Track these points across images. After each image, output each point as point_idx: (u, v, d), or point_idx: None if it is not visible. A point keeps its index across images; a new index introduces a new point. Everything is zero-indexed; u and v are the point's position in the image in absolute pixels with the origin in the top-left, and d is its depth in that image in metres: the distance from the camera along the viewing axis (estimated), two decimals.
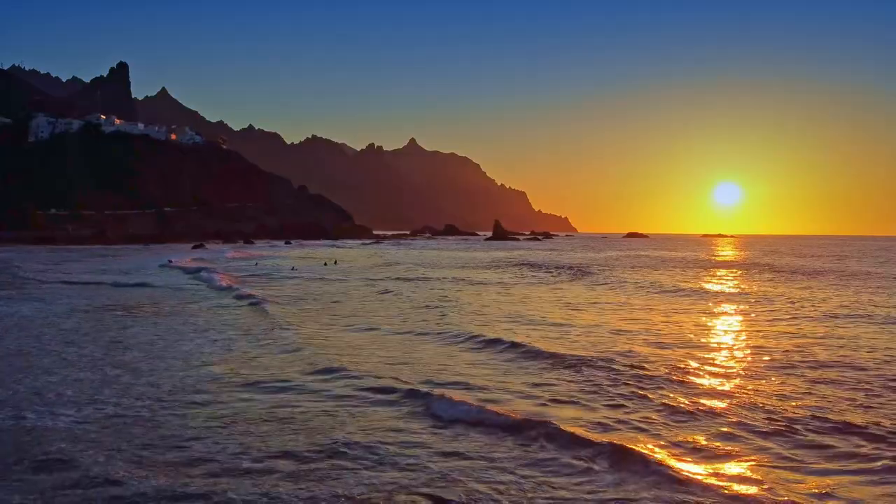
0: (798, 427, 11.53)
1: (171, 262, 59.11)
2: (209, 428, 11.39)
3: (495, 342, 19.58)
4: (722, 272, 59.22)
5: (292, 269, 56.48)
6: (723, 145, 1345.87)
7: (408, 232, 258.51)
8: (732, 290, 40.10)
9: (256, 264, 61.61)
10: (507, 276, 51.43)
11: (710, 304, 31.86)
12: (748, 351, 19.13)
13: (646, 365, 16.44)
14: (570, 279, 47.85)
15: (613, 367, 16.16)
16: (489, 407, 12.38)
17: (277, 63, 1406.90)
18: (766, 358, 17.83)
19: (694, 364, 16.84)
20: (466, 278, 47.50)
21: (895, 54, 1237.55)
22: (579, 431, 11.02)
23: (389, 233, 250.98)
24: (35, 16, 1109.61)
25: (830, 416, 12.11)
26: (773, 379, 15.31)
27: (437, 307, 29.06)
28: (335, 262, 65.98)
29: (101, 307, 27.69)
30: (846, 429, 11.43)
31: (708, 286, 43.22)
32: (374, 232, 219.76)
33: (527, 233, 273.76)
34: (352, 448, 10.41)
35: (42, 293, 32.84)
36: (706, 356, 18.04)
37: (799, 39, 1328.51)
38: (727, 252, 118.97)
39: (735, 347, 19.95)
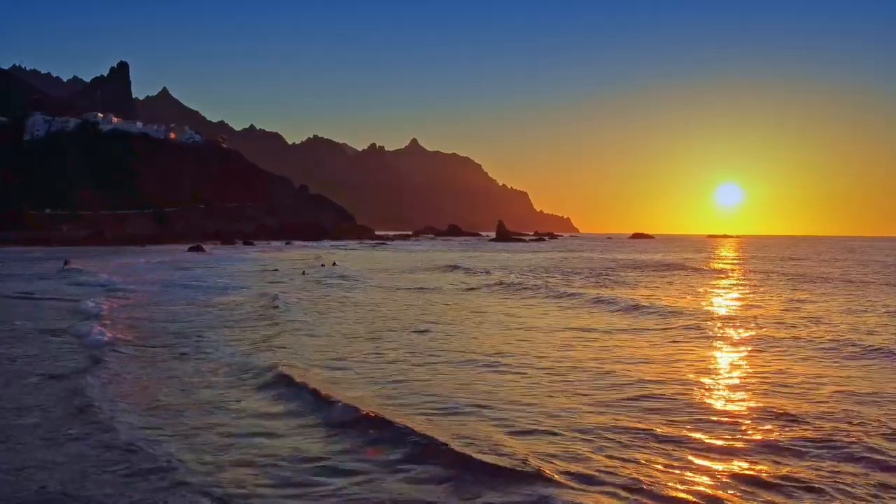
0: None
1: (67, 263, 53.21)
2: None
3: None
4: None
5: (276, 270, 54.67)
6: (723, 145, 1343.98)
7: (410, 232, 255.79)
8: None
9: (268, 269, 56.58)
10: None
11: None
12: None
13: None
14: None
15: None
16: None
17: (278, 63, 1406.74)
18: None
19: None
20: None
21: (895, 54, 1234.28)
22: None
23: (391, 233, 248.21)
24: (35, 15, 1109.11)
25: None
26: None
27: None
28: (334, 264, 64.48)
29: None
30: None
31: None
32: (376, 232, 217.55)
33: (530, 233, 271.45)
34: None
35: None
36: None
37: (799, 39, 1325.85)
38: (766, 256, 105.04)
39: None
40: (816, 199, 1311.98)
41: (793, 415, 11.88)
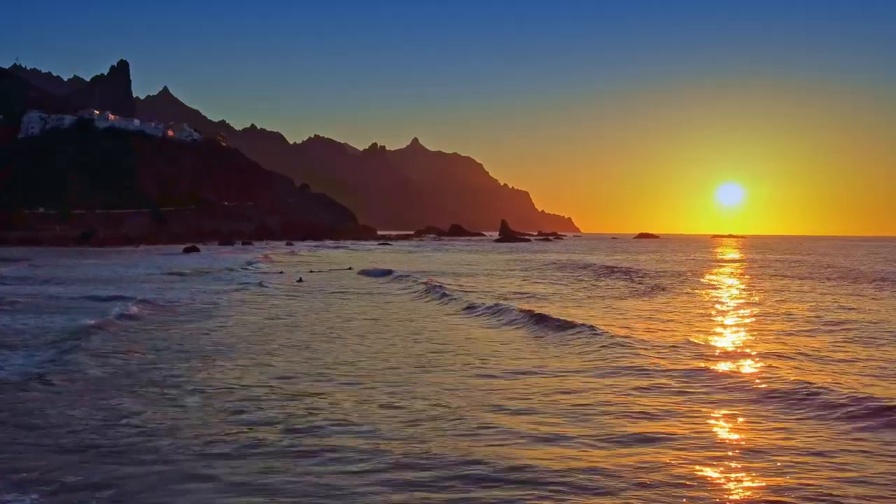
0: None
1: None
2: None
3: None
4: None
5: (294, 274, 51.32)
6: (724, 145, 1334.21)
7: (412, 232, 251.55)
8: None
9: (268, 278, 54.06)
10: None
11: None
12: None
13: None
14: None
15: None
16: None
17: (279, 63, 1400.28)
18: None
19: None
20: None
21: (895, 54, 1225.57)
22: None
23: (393, 233, 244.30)
24: (35, 15, 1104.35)
25: None
26: None
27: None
28: (350, 268, 61.34)
29: None
30: None
31: None
32: (379, 232, 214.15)
33: (534, 233, 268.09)
34: None
35: None
36: None
37: (799, 39, 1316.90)
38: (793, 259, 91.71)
39: None
40: (818, 199, 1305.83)
41: None
